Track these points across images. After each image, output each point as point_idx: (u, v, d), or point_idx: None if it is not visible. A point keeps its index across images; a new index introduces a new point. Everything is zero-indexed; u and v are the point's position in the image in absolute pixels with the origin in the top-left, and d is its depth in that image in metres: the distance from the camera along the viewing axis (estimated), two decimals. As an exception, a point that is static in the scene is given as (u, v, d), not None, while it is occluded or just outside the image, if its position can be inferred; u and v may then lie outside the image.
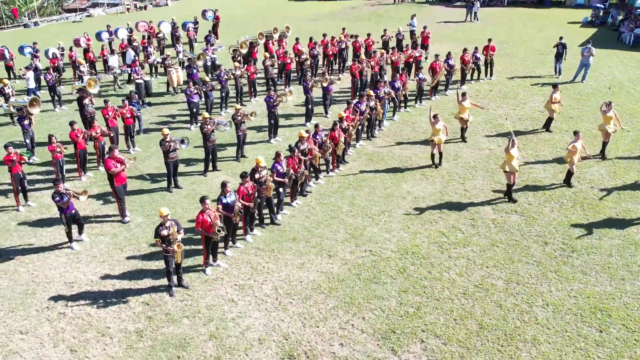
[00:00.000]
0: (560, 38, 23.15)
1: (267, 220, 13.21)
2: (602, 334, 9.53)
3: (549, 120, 17.94)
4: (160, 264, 11.37)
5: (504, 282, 10.92)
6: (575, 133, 14.12)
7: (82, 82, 21.21)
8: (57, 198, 11.90)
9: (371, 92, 17.51)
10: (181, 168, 15.64)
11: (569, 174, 14.43)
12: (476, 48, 23.10)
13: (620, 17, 33.23)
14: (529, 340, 9.45)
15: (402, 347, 9.39)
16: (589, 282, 10.85)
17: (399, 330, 9.77)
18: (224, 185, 11.61)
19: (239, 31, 32.57)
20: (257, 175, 12.46)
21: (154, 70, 25.21)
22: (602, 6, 36.45)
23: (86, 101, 18.18)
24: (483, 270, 11.30)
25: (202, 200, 10.96)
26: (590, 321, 9.82)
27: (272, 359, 9.26)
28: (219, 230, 10.92)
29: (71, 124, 15.52)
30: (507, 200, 13.86)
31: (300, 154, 13.83)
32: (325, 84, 19.12)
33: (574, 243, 12.08)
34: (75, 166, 15.93)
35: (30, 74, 22.19)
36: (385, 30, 26.70)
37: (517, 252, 11.85)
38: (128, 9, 43.99)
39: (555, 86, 17.76)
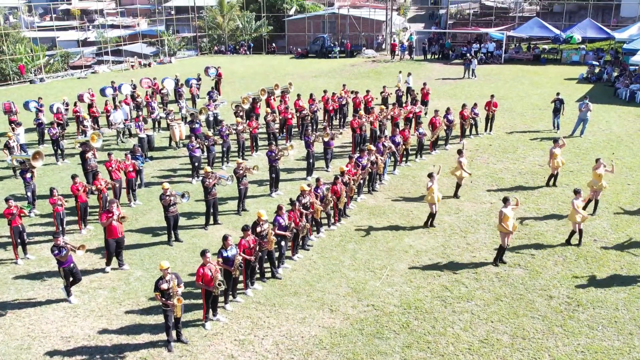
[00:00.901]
0: (558, 94, 23.54)
1: (268, 274, 13.07)
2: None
3: (553, 175, 17.96)
4: (159, 319, 11.17)
5: (509, 337, 10.71)
6: (576, 192, 13.94)
7: (85, 136, 21.44)
8: (56, 251, 11.83)
9: (372, 147, 17.65)
10: (182, 221, 15.59)
11: (573, 233, 14.22)
12: (475, 104, 23.42)
13: (616, 74, 33.92)
14: (537, 398, 9.21)
15: (406, 405, 9.13)
16: (596, 336, 10.64)
17: (403, 387, 9.53)
18: (225, 238, 11.56)
19: (241, 88, 33.17)
20: (258, 229, 12.41)
21: (156, 125, 25.51)
22: (597, 63, 37.26)
23: (89, 155, 18.39)
24: (488, 325, 11.09)
25: (203, 253, 10.90)
26: (600, 378, 9.59)
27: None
28: (219, 284, 10.80)
29: (73, 177, 15.61)
30: (494, 262, 13.48)
31: (301, 207, 13.84)
32: (326, 139, 19.35)
33: (579, 297, 11.91)
34: (76, 218, 15.91)
35: (21, 130, 22.59)
36: (384, 87, 27.23)
37: (522, 306, 11.67)
38: (132, 66, 44.88)
39: (555, 141, 17.88)
